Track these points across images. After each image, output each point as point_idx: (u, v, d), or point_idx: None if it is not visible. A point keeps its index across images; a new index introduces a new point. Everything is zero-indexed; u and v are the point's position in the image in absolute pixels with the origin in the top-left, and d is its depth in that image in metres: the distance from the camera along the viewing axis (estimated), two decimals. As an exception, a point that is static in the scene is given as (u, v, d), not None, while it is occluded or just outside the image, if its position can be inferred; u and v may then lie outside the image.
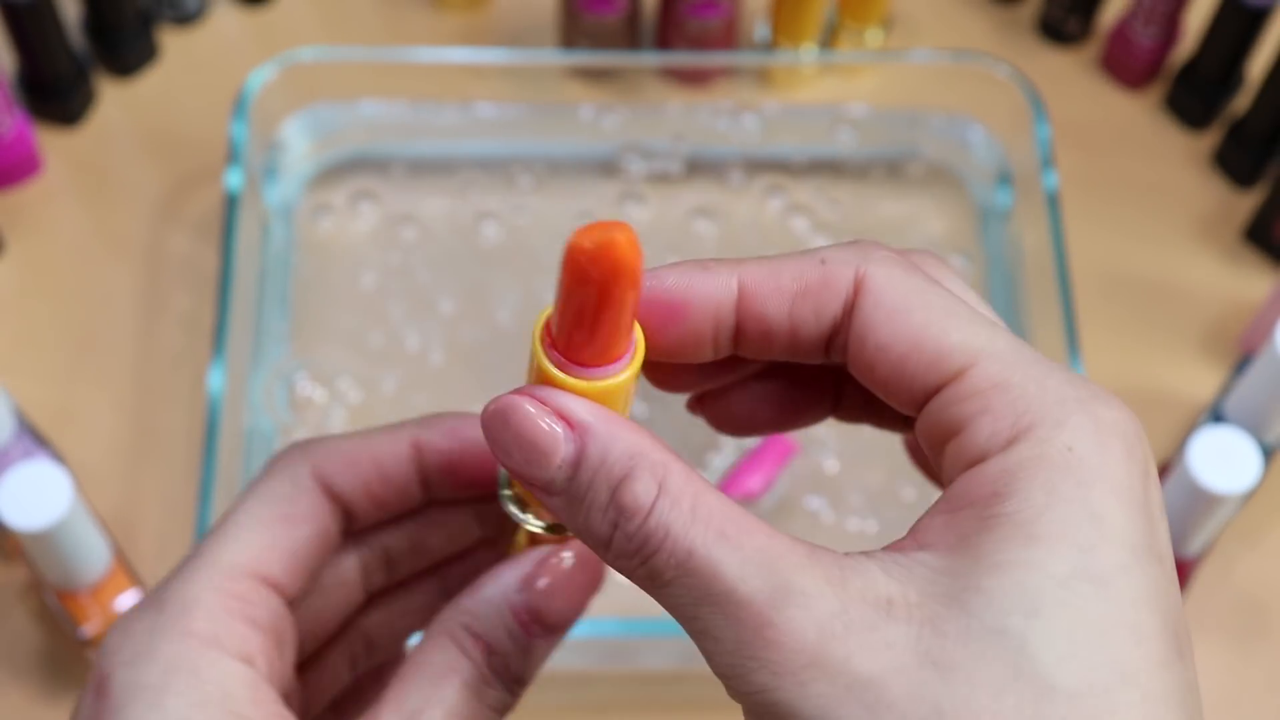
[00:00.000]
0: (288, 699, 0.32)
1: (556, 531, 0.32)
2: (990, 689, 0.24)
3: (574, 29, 0.75)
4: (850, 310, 0.29)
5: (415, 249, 0.72)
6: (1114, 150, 0.77)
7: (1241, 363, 0.68)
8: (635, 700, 0.63)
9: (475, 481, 0.34)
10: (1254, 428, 0.63)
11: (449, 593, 0.36)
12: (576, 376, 0.28)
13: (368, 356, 0.68)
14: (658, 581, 0.27)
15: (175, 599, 0.30)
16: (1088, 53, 0.80)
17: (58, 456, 0.63)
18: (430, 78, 0.72)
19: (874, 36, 0.77)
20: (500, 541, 0.36)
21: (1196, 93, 0.76)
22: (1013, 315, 0.70)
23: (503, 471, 0.32)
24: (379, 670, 0.38)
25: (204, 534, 0.33)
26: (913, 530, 0.27)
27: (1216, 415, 0.65)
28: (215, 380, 0.62)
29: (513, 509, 0.32)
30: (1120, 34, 0.77)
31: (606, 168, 0.74)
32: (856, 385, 0.33)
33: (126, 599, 0.58)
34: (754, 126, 0.74)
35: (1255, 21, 0.73)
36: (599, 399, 0.28)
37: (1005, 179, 0.73)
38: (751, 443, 0.66)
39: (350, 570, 0.35)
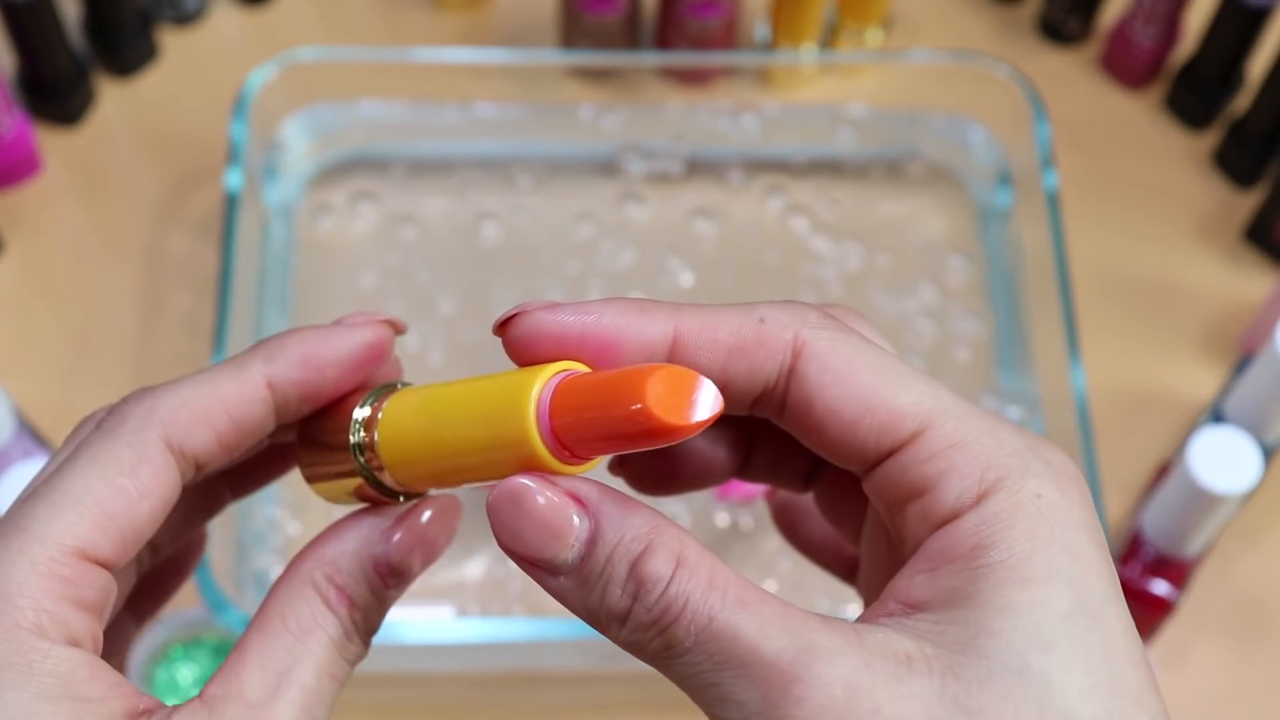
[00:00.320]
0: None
1: (387, 495, 0.31)
2: None
3: (574, 29, 0.75)
4: (788, 373, 0.29)
5: (415, 249, 0.72)
6: (1114, 150, 0.77)
7: (1241, 363, 0.68)
8: (635, 700, 0.63)
9: (323, 401, 0.33)
10: (1254, 428, 0.63)
11: (232, 487, 0.36)
12: (572, 464, 0.28)
13: (368, 356, 0.68)
14: (674, 651, 0.27)
15: None
16: (1088, 53, 0.80)
17: (58, 456, 0.63)
18: (430, 78, 0.72)
19: (874, 36, 0.77)
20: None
21: (1196, 93, 0.76)
22: (1013, 315, 0.70)
23: (356, 435, 0.31)
24: (161, 565, 0.37)
25: (28, 492, 0.30)
26: (889, 592, 0.28)
27: (1216, 415, 0.65)
28: (215, 380, 0.61)
29: (368, 482, 0.31)
30: (1120, 34, 0.77)
31: (606, 168, 0.74)
32: (765, 448, 0.34)
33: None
34: (754, 126, 0.74)
35: (1255, 21, 0.73)
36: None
37: (1005, 179, 0.73)
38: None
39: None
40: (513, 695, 0.63)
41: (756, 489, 0.65)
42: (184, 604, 0.58)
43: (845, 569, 0.38)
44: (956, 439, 0.28)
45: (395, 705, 0.62)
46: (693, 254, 0.72)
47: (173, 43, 0.78)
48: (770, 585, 0.64)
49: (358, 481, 0.32)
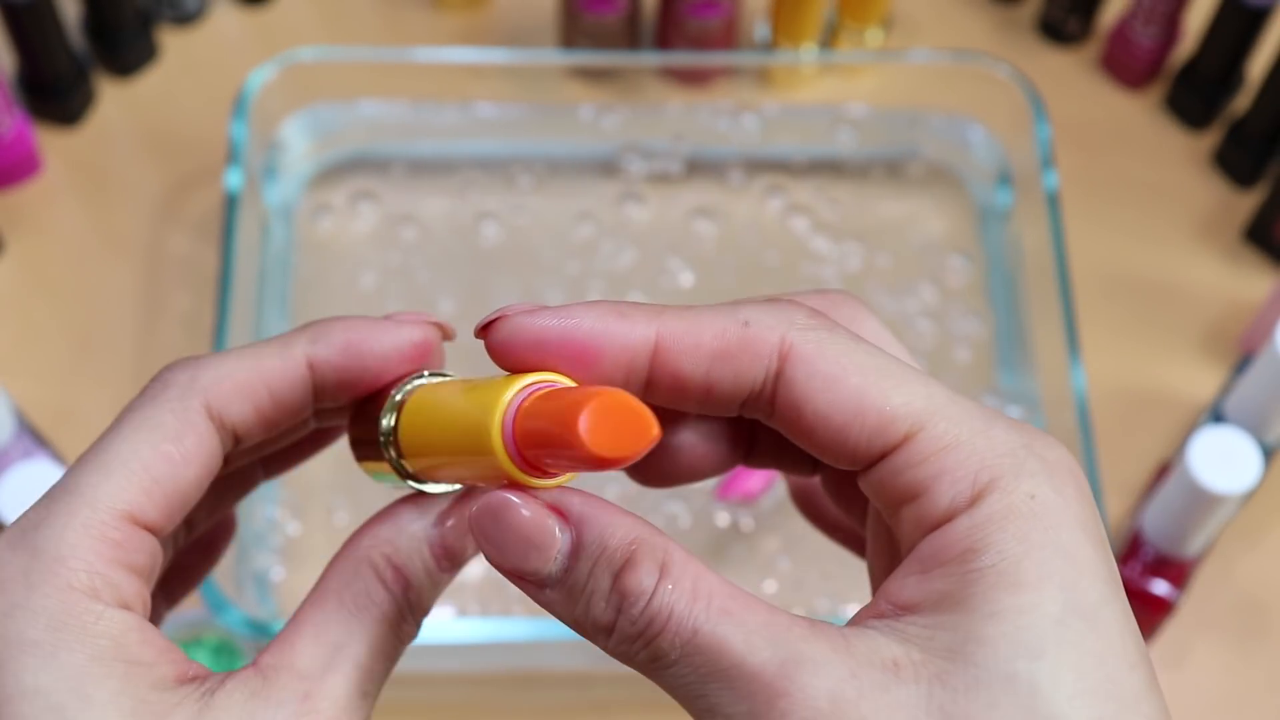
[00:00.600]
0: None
1: (415, 483, 0.32)
2: None
3: (574, 29, 0.75)
4: (775, 377, 0.29)
5: (415, 249, 0.72)
6: (1114, 150, 0.77)
7: (1241, 363, 0.68)
8: (635, 700, 0.63)
9: (362, 392, 0.33)
10: (1254, 428, 0.63)
11: (265, 466, 0.36)
12: (547, 479, 0.28)
13: (368, 356, 0.68)
14: (662, 663, 0.27)
15: (50, 545, 0.28)
16: (1088, 53, 0.80)
17: (58, 456, 0.63)
18: (430, 78, 0.72)
19: (874, 36, 0.77)
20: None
21: (1196, 93, 0.76)
22: (1013, 315, 0.70)
23: (386, 424, 0.31)
24: (192, 546, 0.37)
25: (82, 457, 0.30)
26: (883, 592, 0.28)
27: (1216, 415, 0.65)
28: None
29: (391, 468, 0.31)
30: (1120, 34, 0.77)
31: (606, 168, 0.74)
32: (767, 435, 0.33)
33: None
34: (754, 126, 0.74)
35: (1255, 21, 0.73)
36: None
37: (1005, 179, 0.73)
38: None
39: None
40: (513, 695, 0.63)
41: (756, 489, 0.65)
42: (184, 605, 0.58)
43: (858, 546, 0.38)
44: (948, 441, 0.28)
45: (395, 705, 0.62)
46: (693, 254, 0.72)
47: (173, 43, 0.78)
48: (770, 585, 0.64)
49: (387, 466, 0.32)
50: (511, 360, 0.29)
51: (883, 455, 0.28)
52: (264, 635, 0.56)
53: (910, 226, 0.73)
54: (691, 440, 0.34)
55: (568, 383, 0.29)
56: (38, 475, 0.56)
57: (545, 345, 0.29)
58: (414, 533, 0.31)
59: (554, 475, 0.28)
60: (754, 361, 0.29)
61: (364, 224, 0.72)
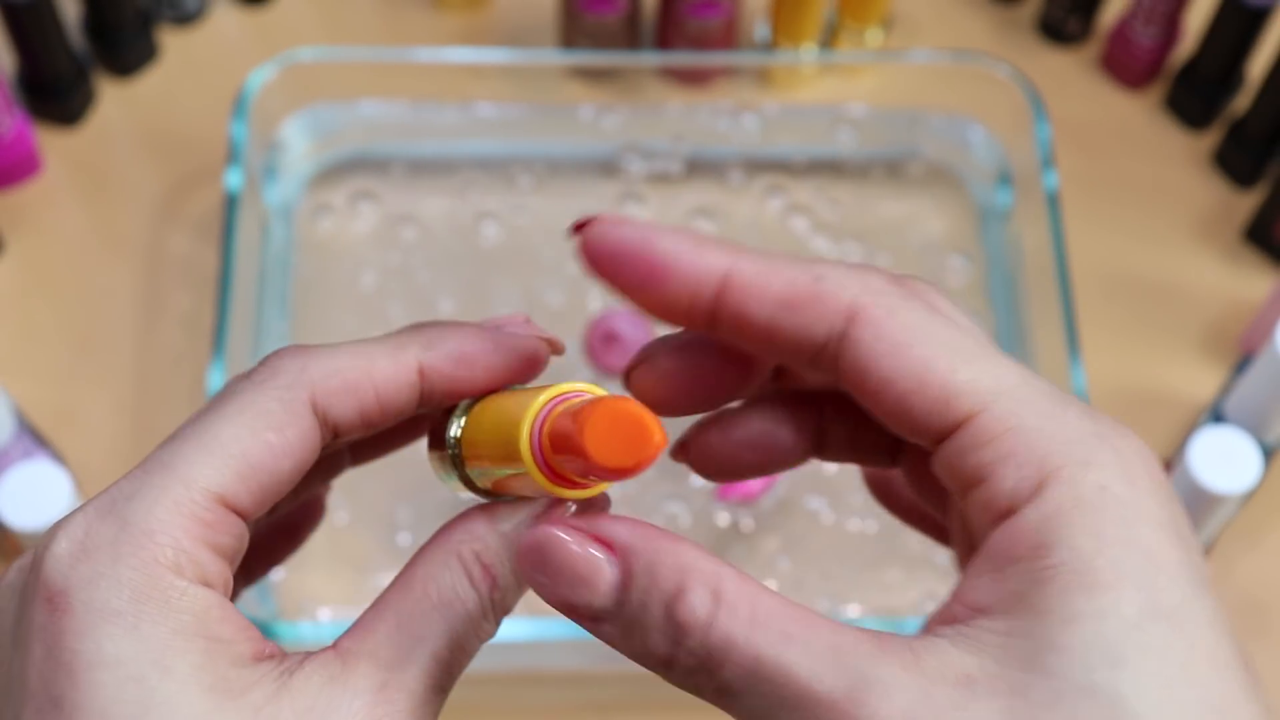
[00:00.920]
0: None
1: (490, 495, 0.32)
2: None
3: (574, 29, 0.75)
4: (842, 336, 0.28)
5: (415, 249, 0.72)
6: (1114, 150, 0.77)
7: (1241, 363, 0.68)
8: (635, 700, 0.63)
9: (463, 397, 0.33)
10: (1254, 428, 0.63)
11: (354, 453, 0.36)
12: (585, 489, 0.29)
13: (368, 356, 0.68)
14: (728, 693, 0.26)
15: (140, 518, 0.28)
16: (1088, 53, 0.80)
17: (58, 456, 0.63)
18: (430, 78, 0.72)
19: (874, 36, 0.77)
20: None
21: (1196, 93, 0.76)
22: (1013, 315, 0.70)
23: (454, 433, 0.32)
24: (275, 526, 0.37)
25: (182, 432, 0.30)
26: (957, 593, 0.27)
27: (1216, 415, 0.65)
28: (215, 380, 0.62)
29: (454, 473, 0.32)
30: (1120, 34, 0.77)
31: (606, 168, 0.74)
32: (839, 426, 0.33)
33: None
34: (754, 126, 0.74)
35: (1255, 21, 0.73)
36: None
37: (1005, 179, 0.73)
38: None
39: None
40: (513, 695, 0.63)
41: (756, 489, 0.65)
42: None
43: (942, 535, 0.36)
44: (1013, 423, 0.26)
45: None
46: (693, 254, 0.72)
47: (173, 43, 0.78)
48: (770, 585, 0.64)
49: (447, 462, 0.32)
50: (594, 263, 0.29)
51: (948, 433, 0.27)
52: (264, 635, 0.56)
53: (910, 226, 0.73)
54: (761, 429, 0.33)
55: (601, 393, 0.29)
56: (38, 475, 0.56)
57: (620, 256, 0.29)
58: (505, 533, 0.31)
59: (584, 486, 0.28)
60: (819, 317, 0.28)
61: (364, 224, 0.72)
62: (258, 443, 0.30)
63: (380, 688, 0.29)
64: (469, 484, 0.32)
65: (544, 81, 0.75)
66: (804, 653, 0.25)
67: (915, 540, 0.65)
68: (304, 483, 0.35)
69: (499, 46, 0.77)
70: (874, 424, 0.29)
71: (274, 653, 0.29)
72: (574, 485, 0.29)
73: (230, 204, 0.66)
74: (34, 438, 0.62)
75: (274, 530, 0.37)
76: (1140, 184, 0.76)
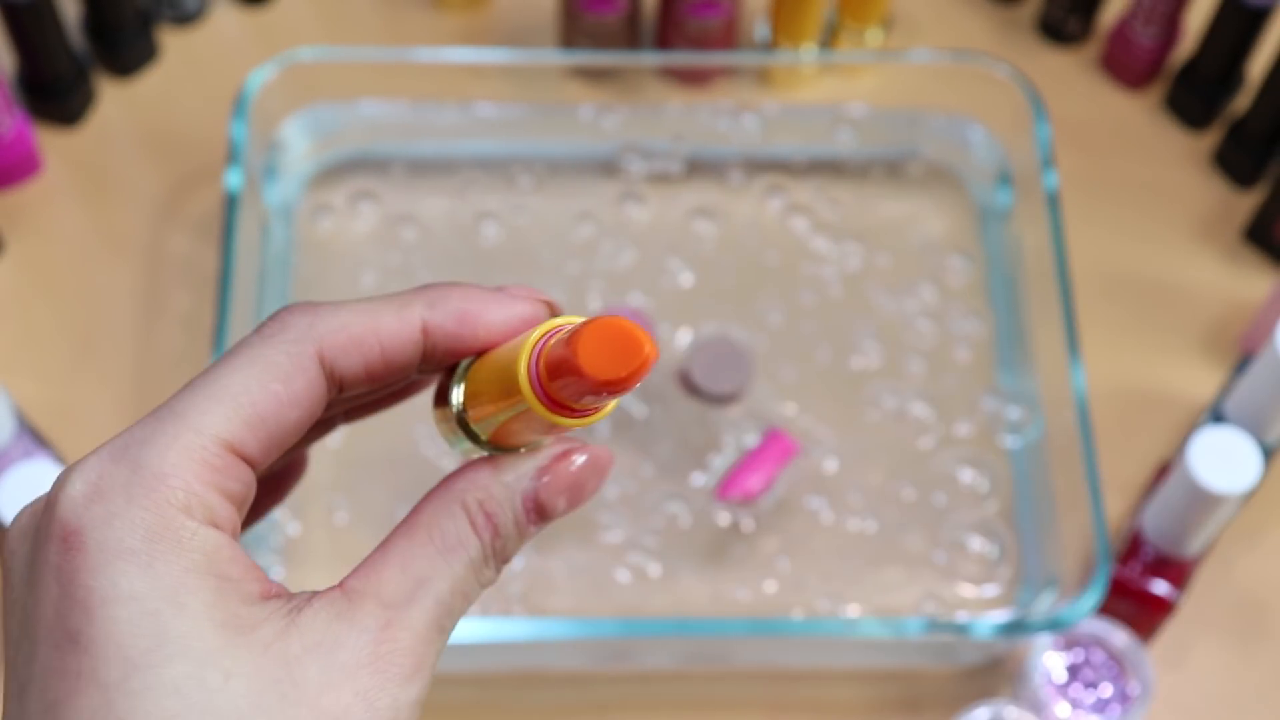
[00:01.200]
0: None
1: (484, 448, 0.33)
2: None
3: (574, 29, 0.75)
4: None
5: (415, 249, 0.72)
6: (1114, 150, 0.77)
7: (1241, 363, 0.68)
8: (635, 700, 0.63)
9: (464, 356, 0.35)
10: (1254, 428, 0.63)
11: (346, 412, 0.38)
12: (583, 416, 0.30)
13: (368, 356, 0.68)
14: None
15: (152, 463, 0.29)
16: (1088, 53, 0.80)
17: (58, 456, 0.63)
18: (430, 78, 0.72)
19: (874, 36, 0.77)
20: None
21: (1196, 93, 0.76)
22: (1013, 315, 0.70)
23: (458, 397, 0.33)
24: (261, 482, 0.38)
25: (192, 383, 0.31)
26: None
27: (1216, 415, 0.65)
28: (215, 380, 0.61)
29: (460, 431, 0.33)
30: (1120, 34, 0.77)
31: (606, 168, 0.74)
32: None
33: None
34: (754, 126, 0.74)
35: (1255, 21, 0.73)
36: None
37: (1005, 179, 0.73)
38: (751, 443, 0.66)
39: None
40: (513, 695, 0.63)
41: (756, 489, 0.65)
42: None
43: None
44: None
45: (395, 705, 0.62)
46: (693, 254, 0.72)
47: (173, 43, 0.78)
48: (770, 585, 0.64)
49: (452, 420, 0.33)
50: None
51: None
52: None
53: (910, 226, 0.73)
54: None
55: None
56: (38, 475, 0.56)
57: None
58: (509, 483, 0.32)
59: (583, 413, 0.30)
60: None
61: (364, 224, 0.72)
62: (266, 393, 0.31)
63: (384, 625, 0.30)
64: (472, 437, 0.32)
65: (544, 81, 0.75)
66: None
67: (915, 540, 0.65)
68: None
69: (499, 46, 0.77)
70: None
71: (280, 592, 0.30)
72: (574, 413, 0.29)
73: (230, 204, 0.66)
74: (34, 438, 0.62)
75: (260, 486, 0.37)
76: (1140, 184, 0.76)
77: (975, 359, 0.70)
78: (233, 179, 0.67)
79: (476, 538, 0.31)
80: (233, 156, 0.67)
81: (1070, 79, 0.79)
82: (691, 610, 0.63)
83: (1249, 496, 0.64)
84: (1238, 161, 0.75)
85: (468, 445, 0.33)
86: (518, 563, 0.64)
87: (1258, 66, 0.75)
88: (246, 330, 0.66)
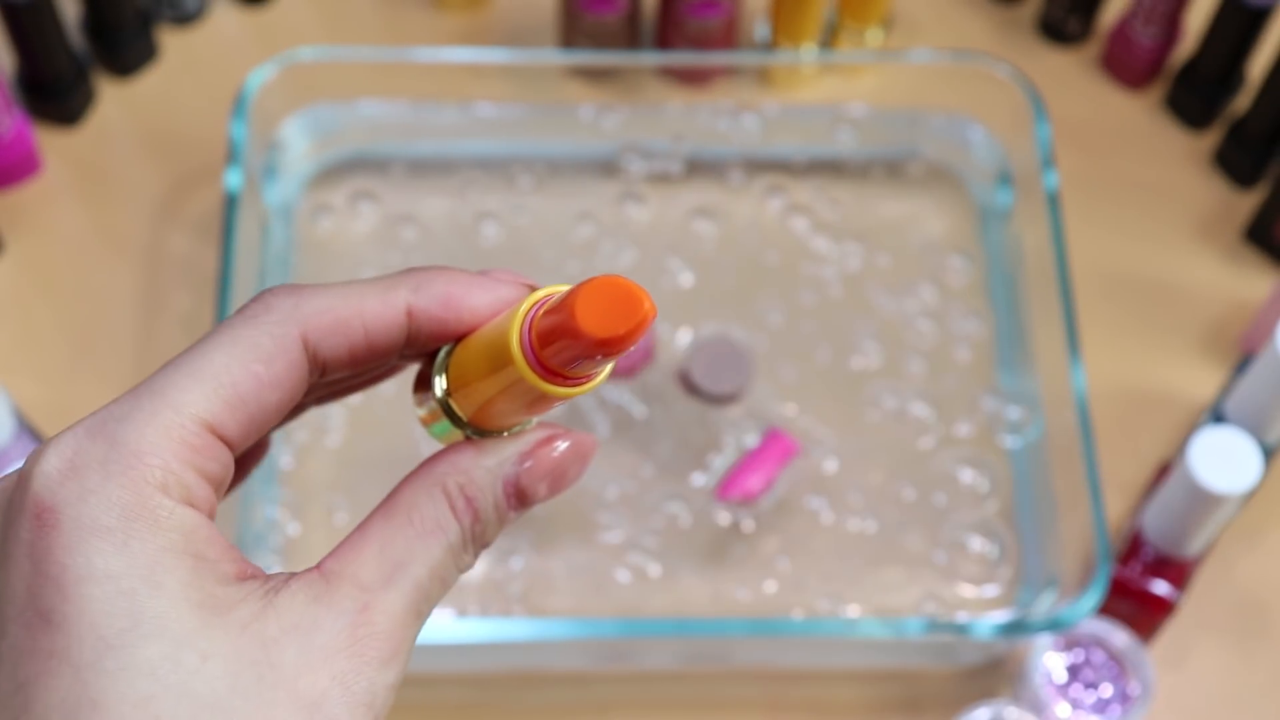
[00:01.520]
0: None
1: (462, 429, 0.33)
2: None
3: (574, 29, 0.75)
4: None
5: (415, 249, 0.72)
6: (1114, 150, 0.77)
7: (1241, 363, 0.68)
8: (635, 700, 0.63)
9: (447, 340, 0.34)
10: (1254, 428, 0.63)
11: (317, 396, 0.37)
12: (576, 385, 0.29)
13: (368, 356, 0.68)
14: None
15: (130, 440, 0.29)
16: (1088, 53, 0.80)
17: (58, 456, 0.63)
18: (430, 78, 0.72)
19: (874, 36, 0.77)
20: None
21: (1196, 93, 0.76)
22: (1013, 315, 0.70)
23: (440, 379, 0.32)
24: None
25: (173, 361, 0.30)
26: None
27: (1216, 415, 0.65)
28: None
29: (441, 412, 0.32)
30: (1120, 34, 0.77)
31: (606, 168, 0.74)
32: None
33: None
34: (754, 126, 0.74)
35: (1255, 21, 0.73)
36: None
37: (1005, 179, 0.73)
38: (751, 443, 0.66)
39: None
40: (513, 695, 0.63)
41: (756, 489, 0.65)
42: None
43: None
44: None
45: (395, 705, 0.62)
46: (693, 254, 0.72)
47: (173, 43, 0.78)
48: (770, 585, 0.64)
49: (436, 407, 0.33)
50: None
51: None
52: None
53: (910, 226, 0.73)
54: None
55: None
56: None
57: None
58: (490, 468, 0.32)
59: (576, 381, 0.29)
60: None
61: (364, 224, 0.72)
62: (247, 374, 0.30)
63: (362, 609, 0.30)
64: (454, 419, 0.32)
65: (544, 81, 0.75)
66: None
67: (915, 540, 0.65)
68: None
69: (499, 46, 0.77)
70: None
71: (257, 573, 0.30)
72: (565, 380, 0.29)
73: (230, 204, 0.66)
74: (34, 438, 0.62)
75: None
76: (1140, 184, 0.76)
77: (975, 359, 0.70)
78: (232, 179, 0.67)
79: (456, 522, 0.31)
80: (232, 156, 0.67)
81: (1070, 79, 0.79)
82: (691, 610, 0.63)
83: (1249, 496, 0.64)
84: (1238, 161, 0.75)
85: (448, 428, 0.32)
86: (518, 563, 0.64)
87: (1258, 66, 0.75)
88: (246, 330, 0.66)
